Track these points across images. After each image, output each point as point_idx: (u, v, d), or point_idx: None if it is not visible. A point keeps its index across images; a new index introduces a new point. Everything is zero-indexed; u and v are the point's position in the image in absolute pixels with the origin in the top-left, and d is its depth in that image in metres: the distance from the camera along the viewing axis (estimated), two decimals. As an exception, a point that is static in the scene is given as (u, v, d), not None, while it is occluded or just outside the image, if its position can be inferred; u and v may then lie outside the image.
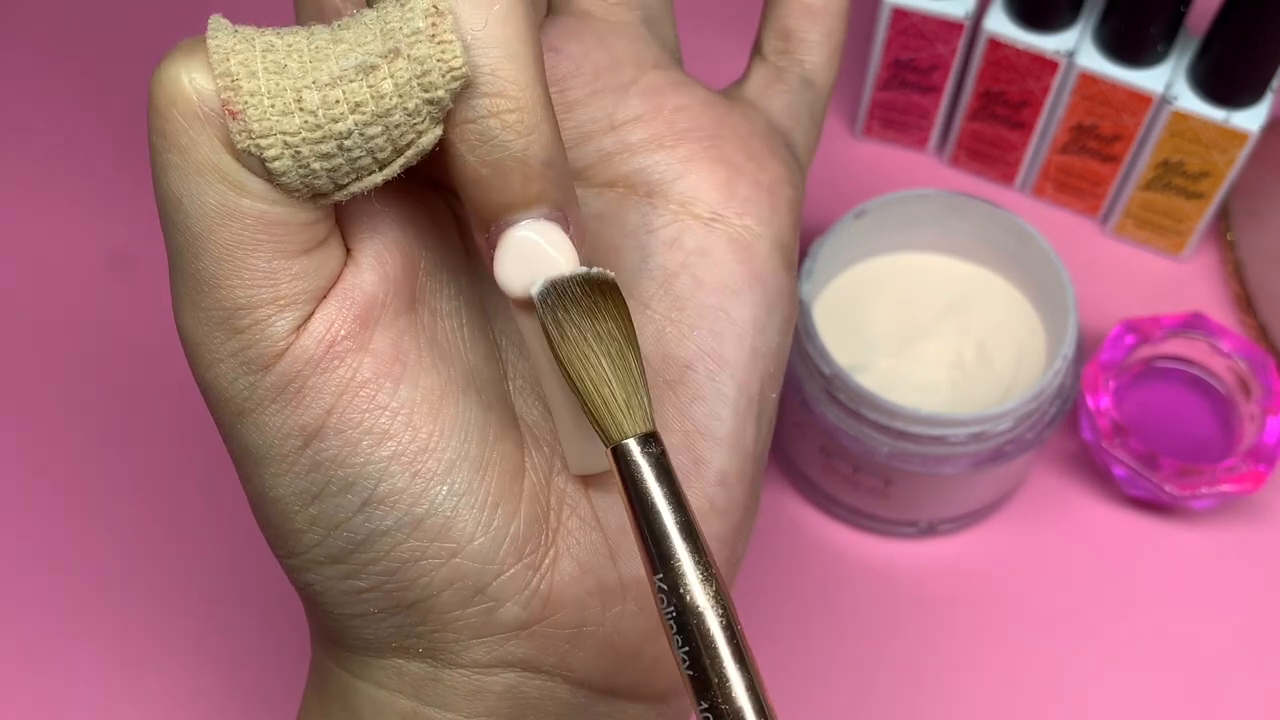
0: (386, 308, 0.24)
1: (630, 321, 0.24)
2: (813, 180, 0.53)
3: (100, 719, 0.44)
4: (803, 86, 0.31)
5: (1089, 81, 0.47)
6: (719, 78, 0.32)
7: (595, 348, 0.24)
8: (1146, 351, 0.47)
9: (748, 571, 0.46)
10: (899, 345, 0.46)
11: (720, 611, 0.23)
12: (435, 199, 0.26)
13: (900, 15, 0.48)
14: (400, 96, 0.22)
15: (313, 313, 0.23)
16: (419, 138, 0.22)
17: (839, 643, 0.45)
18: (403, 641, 0.25)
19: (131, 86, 0.55)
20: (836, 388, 0.42)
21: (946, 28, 0.48)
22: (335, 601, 0.25)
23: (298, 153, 0.22)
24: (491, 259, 0.24)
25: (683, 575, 0.23)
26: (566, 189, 0.24)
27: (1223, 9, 0.45)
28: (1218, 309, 0.51)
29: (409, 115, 0.22)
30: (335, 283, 0.24)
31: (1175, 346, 0.47)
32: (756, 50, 0.32)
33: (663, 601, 0.23)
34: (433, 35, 0.22)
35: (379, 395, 0.24)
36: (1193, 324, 0.47)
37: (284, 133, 0.22)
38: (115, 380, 0.49)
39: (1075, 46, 0.47)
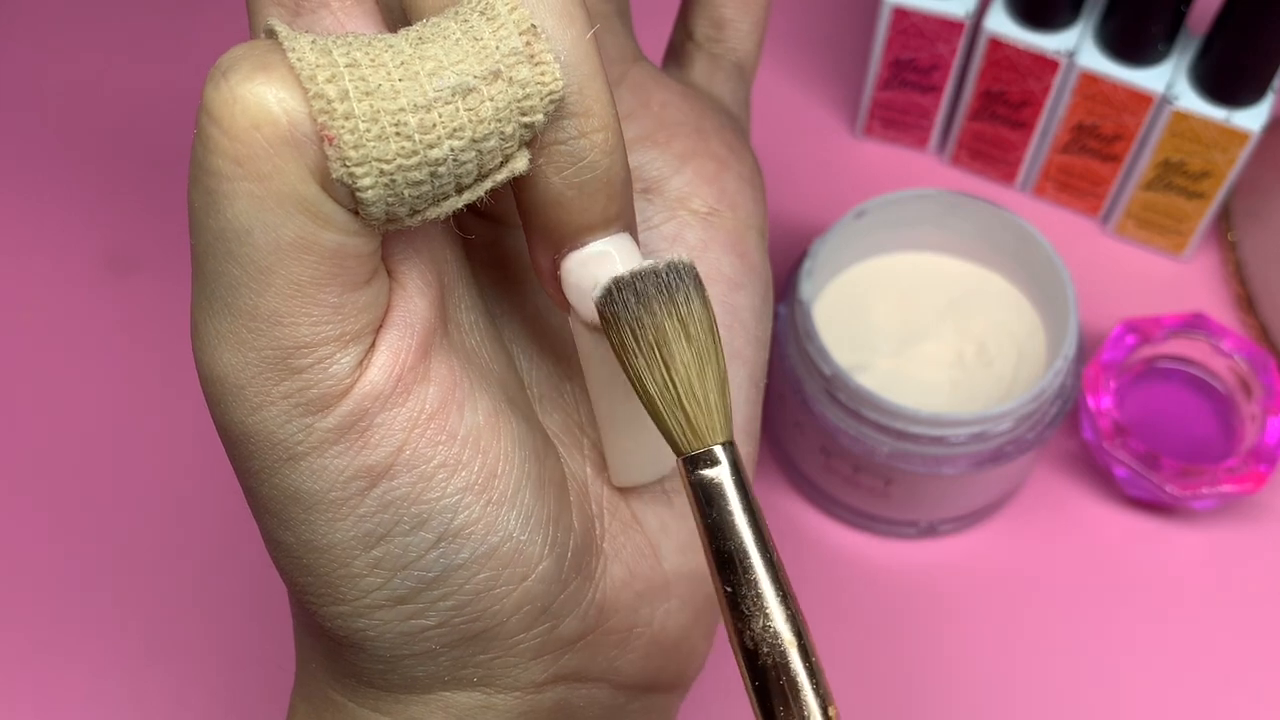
0: (436, 332, 0.23)
1: (708, 310, 0.23)
2: (813, 180, 0.53)
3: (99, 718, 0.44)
4: (737, 74, 0.32)
5: (1090, 81, 0.47)
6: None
7: (658, 358, 0.23)
8: (1147, 351, 0.47)
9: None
10: (899, 345, 0.46)
11: (799, 639, 0.22)
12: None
13: (900, 15, 0.48)
14: (499, 121, 0.21)
15: (373, 345, 0.22)
16: (508, 162, 0.21)
17: (839, 643, 0.45)
18: (457, 674, 0.24)
19: (129, 89, 0.55)
20: (836, 388, 0.42)
21: (947, 27, 0.48)
22: (390, 644, 0.24)
23: (392, 181, 0.20)
24: (556, 281, 0.23)
25: (764, 601, 0.22)
26: (633, 204, 0.23)
27: (1224, 8, 0.45)
28: (1219, 309, 0.51)
29: (504, 140, 0.21)
30: (388, 311, 0.22)
31: (1176, 347, 0.47)
32: (687, 36, 0.32)
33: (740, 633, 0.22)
34: (530, 56, 0.21)
35: (448, 424, 0.23)
36: (1194, 324, 0.47)
37: (379, 160, 0.20)
38: (114, 381, 0.49)
39: (1076, 46, 0.47)
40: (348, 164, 0.20)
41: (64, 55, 0.56)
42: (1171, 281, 0.52)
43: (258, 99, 0.19)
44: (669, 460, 0.25)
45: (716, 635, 0.29)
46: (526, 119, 0.21)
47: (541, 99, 0.21)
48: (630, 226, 0.23)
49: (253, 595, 0.45)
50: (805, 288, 0.43)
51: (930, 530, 0.46)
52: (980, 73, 0.49)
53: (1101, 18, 0.47)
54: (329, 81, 0.20)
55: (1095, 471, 0.48)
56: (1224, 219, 0.51)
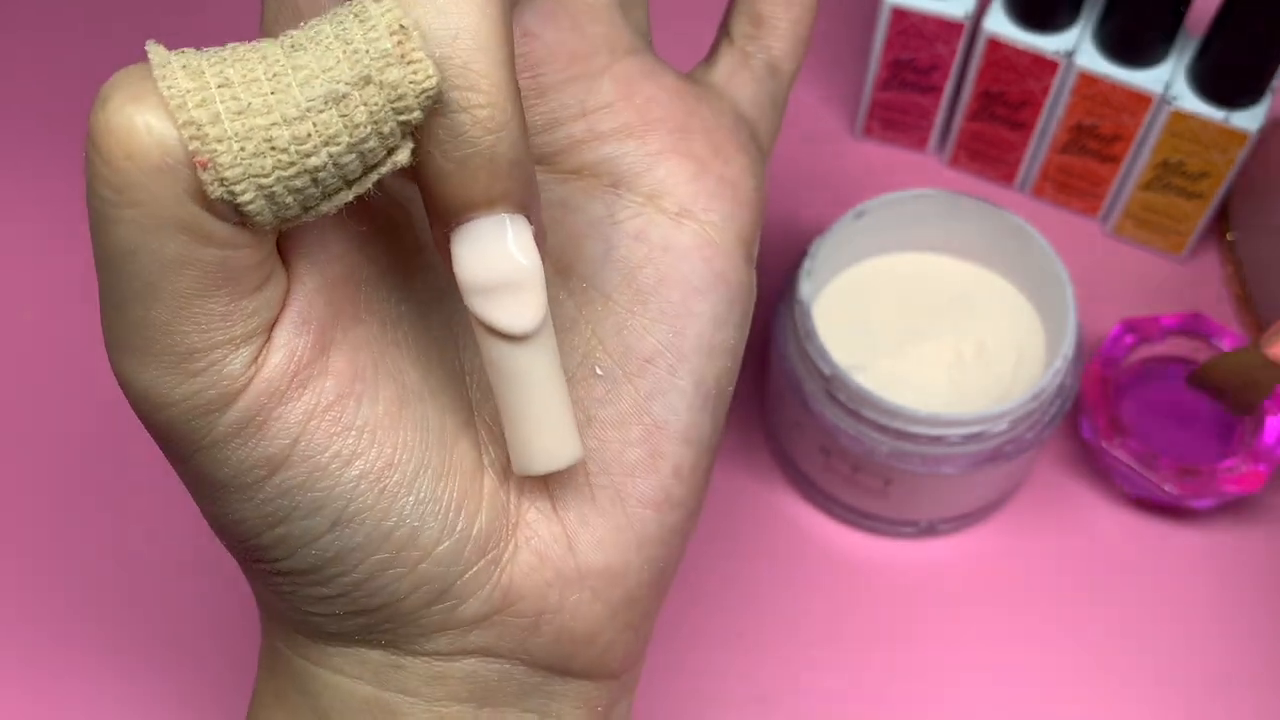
0: (338, 326, 0.24)
1: None
2: (813, 180, 0.53)
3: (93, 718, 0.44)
4: (768, 74, 0.31)
5: (1089, 82, 0.47)
6: (683, 61, 0.32)
7: None
8: (1146, 351, 0.47)
9: (747, 571, 0.46)
10: (899, 345, 0.46)
11: None
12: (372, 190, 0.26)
13: (900, 15, 0.48)
14: (375, 123, 0.21)
15: (267, 342, 0.23)
16: (390, 155, 0.22)
17: (838, 643, 0.45)
18: (366, 636, 0.26)
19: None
20: (836, 388, 0.42)
21: (946, 28, 0.48)
22: (302, 602, 0.25)
23: (272, 193, 0.21)
24: (449, 255, 0.23)
25: None
26: (530, 187, 0.23)
27: (1222, 9, 0.45)
28: (1217, 309, 0.51)
29: (383, 139, 0.21)
30: (284, 307, 0.23)
31: (1175, 346, 0.47)
32: (725, 33, 0.32)
33: None
34: (402, 56, 0.21)
35: (344, 416, 0.23)
36: (1192, 324, 0.47)
37: (257, 176, 0.20)
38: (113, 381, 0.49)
39: (1075, 46, 0.47)
40: (225, 184, 0.20)
41: (67, 54, 0.56)
42: (1170, 281, 0.52)
43: (129, 128, 0.20)
44: (569, 452, 0.25)
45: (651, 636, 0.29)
46: (403, 118, 0.21)
47: (416, 98, 0.21)
48: (525, 208, 0.23)
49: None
50: (805, 288, 0.43)
51: (930, 530, 0.46)
52: (979, 73, 0.49)
53: (1100, 18, 0.47)
54: (199, 106, 0.20)
55: (1095, 471, 0.48)
56: (1222, 219, 0.52)
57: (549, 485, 0.27)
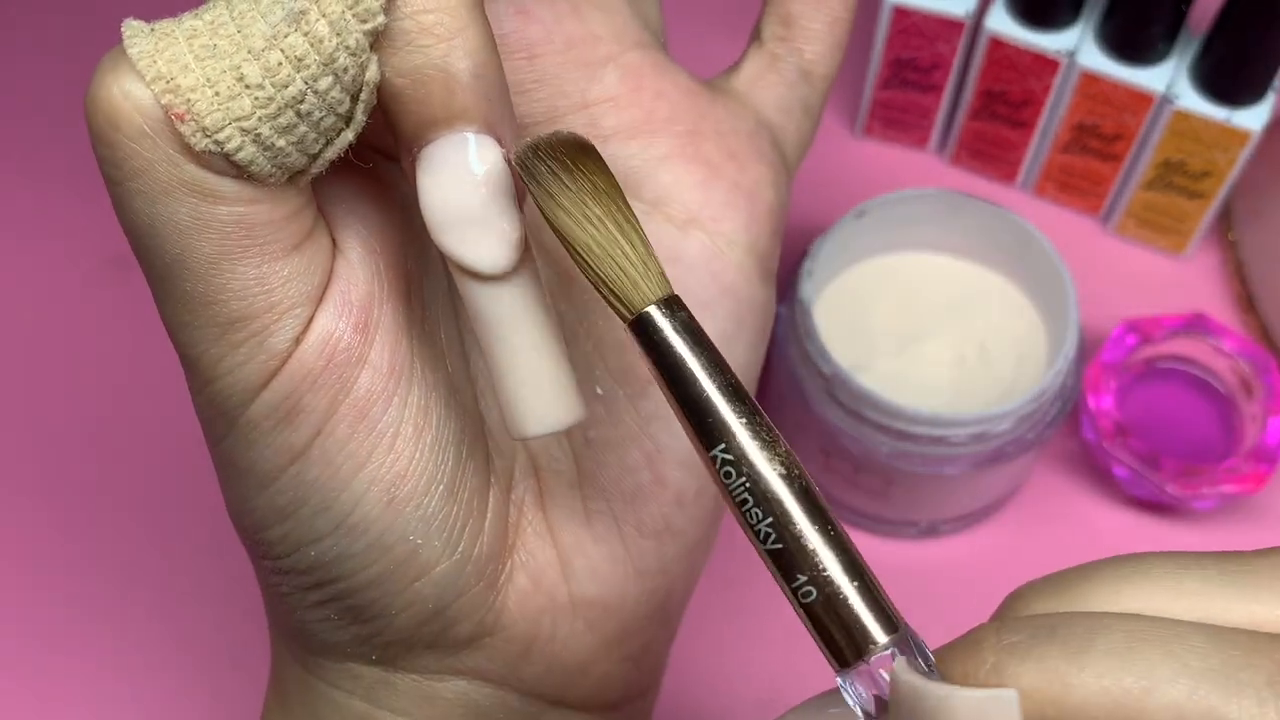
0: (384, 305, 0.23)
1: (618, 184, 0.22)
2: (813, 180, 0.53)
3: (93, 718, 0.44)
4: (799, 78, 0.29)
5: (1090, 81, 0.47)
6: (711, 73, 0.31)
7: (595, 208, 0.21)
8: (1148, 351, 0.47)
9: (747, 572, 0.46)
10: (900, 345, 0.46)
11: (796, 473, 0.21)
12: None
13: (901, 14, 0.48)
14: (338, 35, 0.20)
15: (312, 317, 0.22)
16: (364, 74, 0.20)
17: (839, 643, 0.45)
18: (358, 648, 0.25)
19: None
20: (837, 388, 0.42)
21: (947, 27, 0.48)
22: (299, 604, 0.25)
23: (258, 135, 0.20)
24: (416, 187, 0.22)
25: (743, 446, 0.21)
26: (499, 104, 0.21)
27: (1224, 8, 0.45)
28: (1219, 309, 0.51)
29: (352, 54, 0.20)
30: (329, 281, 0.22)
31: (1177, 346, 0.47)
32: (756, 36, 0.30)
33: (729, 476, 0.21)
34: None
35: (370, 414, 0.23)
36: (1194, 324, 0.47)
37: (237, 119, 0.20)
38: (121, 375, 0.49)
39: (1076, 45, 0.47)
40: (208, 133, 0.20)
41: (70, 53, 0.56)
42: (1172, 281, 0.52)
43: (108, 99, 0.20)
44: (564, 413, 0.23)
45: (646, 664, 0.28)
46: (368, 26, 0.20)
47: None
48: (492, 129, 0.21)
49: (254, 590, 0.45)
50: (805, 288, 0.43)
51: (931, 530, 0.46)
52: (981, 72, 0.49)
53: (1102, 17, 0.47)
54: (171, 61, 0.20)
55: (1095, 471, 0.48)
56: (1224, 218, 0.51)
57: (545, 503, 0.26)
